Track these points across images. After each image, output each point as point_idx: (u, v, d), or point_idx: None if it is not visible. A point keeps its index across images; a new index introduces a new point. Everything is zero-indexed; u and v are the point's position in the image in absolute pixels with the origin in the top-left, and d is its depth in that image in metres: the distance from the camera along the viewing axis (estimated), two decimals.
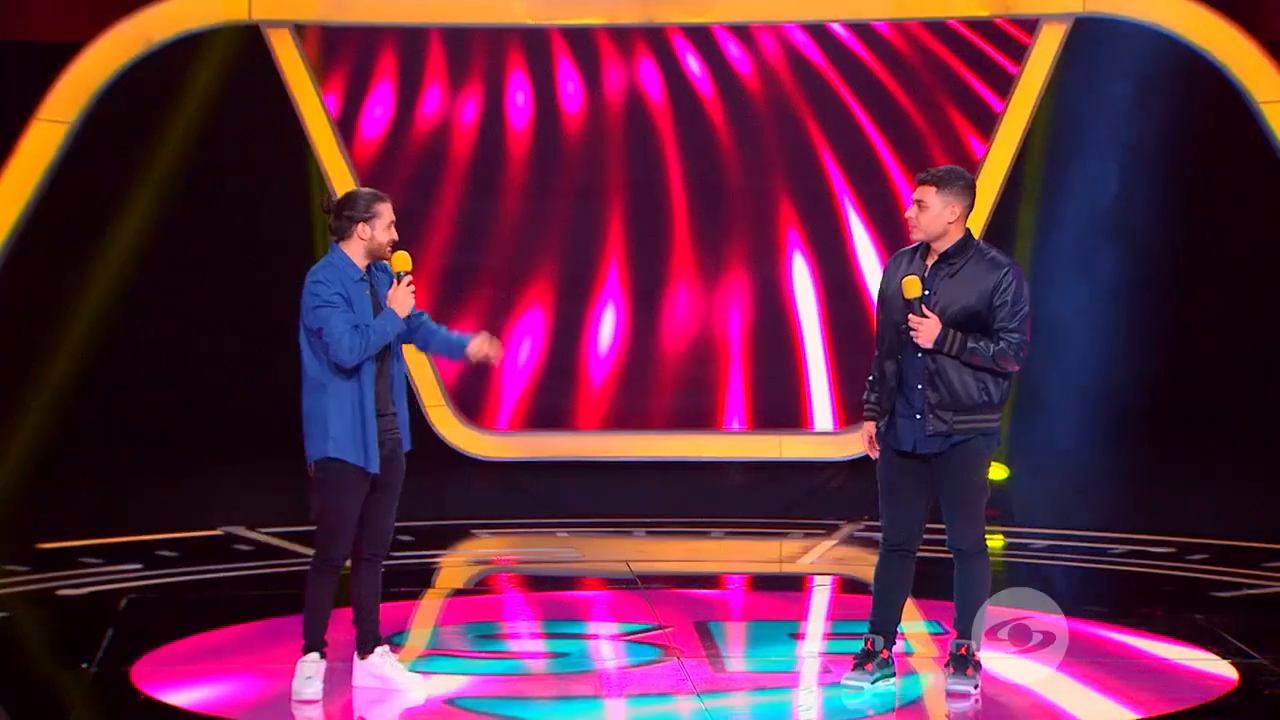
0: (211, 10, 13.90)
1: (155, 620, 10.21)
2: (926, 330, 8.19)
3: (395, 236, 8.49)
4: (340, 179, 14.01)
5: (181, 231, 13.80)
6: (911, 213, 8.28)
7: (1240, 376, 13.92)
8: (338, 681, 8.60)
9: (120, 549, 12.40)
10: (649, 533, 13.42)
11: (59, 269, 13.78)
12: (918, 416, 8.29)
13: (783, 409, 14.28)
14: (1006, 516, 13.77)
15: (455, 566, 12.52)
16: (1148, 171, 13.64)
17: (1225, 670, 8.94)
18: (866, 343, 14.15)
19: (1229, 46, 13.65)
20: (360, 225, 8.42)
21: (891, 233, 14.00)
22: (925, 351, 8.24)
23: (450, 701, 8.46)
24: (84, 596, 10.91)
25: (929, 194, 8.25)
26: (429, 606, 10.88)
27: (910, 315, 8.21)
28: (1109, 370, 13.69)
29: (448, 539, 13.16)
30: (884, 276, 8.49)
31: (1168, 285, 13.92)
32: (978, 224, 13.96)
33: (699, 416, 14.29)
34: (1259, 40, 13.67)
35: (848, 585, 11.72)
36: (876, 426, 8.45)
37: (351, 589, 8.62)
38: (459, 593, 11.52)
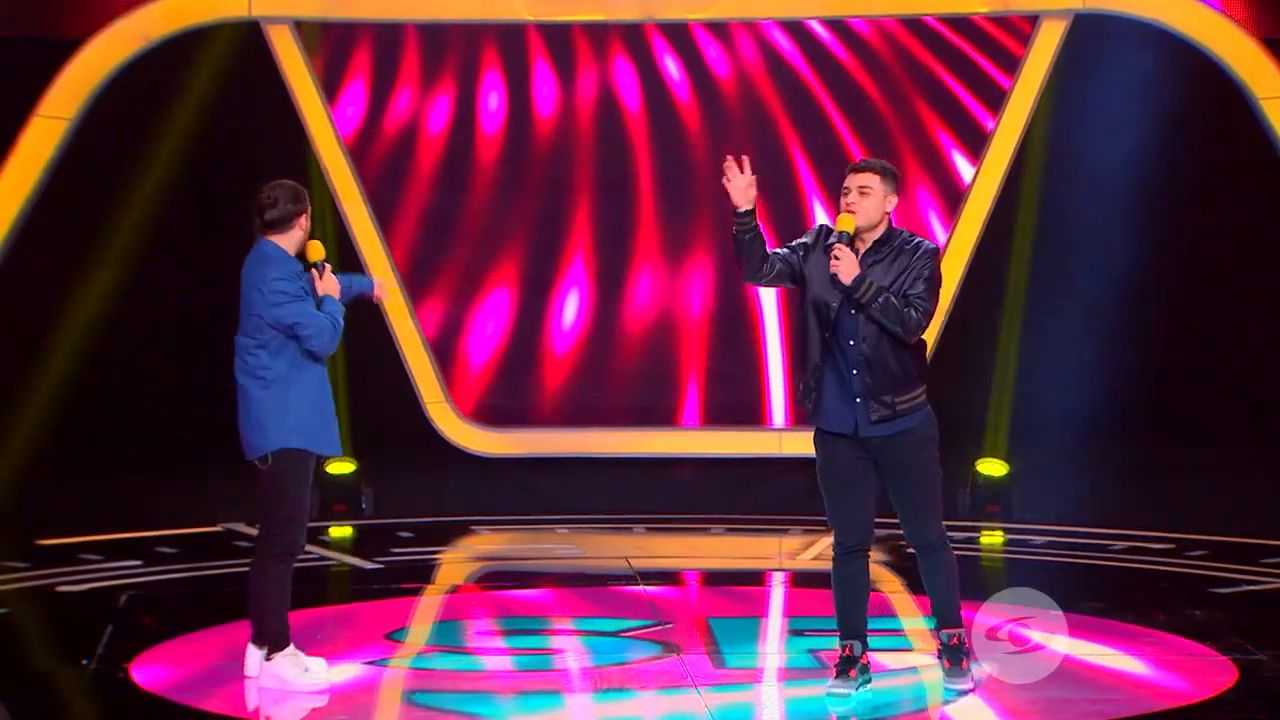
0: (211, 6, 13.89)
1: (155, 617, 10.22)
2: (847, 263, 8.13)
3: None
4: (340, 176, 14.00)
5: (181, 227, 13.79)
6: (853, 197, 8.23)
7: (1240, 373, 13.92)
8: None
9: (120, 545, 12.41)
10: (648, 529, 13.43)
11: (58, 265, 13.77)
12: (857, 400, 8.24)
13: (744, 406, 14.27)
14: (1006, 513, 13.78)
15: (455, 563, 12.53)
16: (1147, 167, 13.63)
17: (1224, 666, 8.94)
18: None
19: (1229, 42, 13.64)
20: (302, 217, 8.49)
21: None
22: (858, 309, 8.15)
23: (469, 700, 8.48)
24: (83, 593, 10.92)
25: (875, 181, 8.25)
26: (429, 603, 10.88)
27: (836, 245, 8.14)
28: (1109, 367, 13.68)
29: (448, 536, 13.17)
30: (800, 257, 8.35)
31: (1167, 282, 13.92)
32: (978, 218, 13.97)
33: (657, 413, 14.27)
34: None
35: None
36: (809, 413, 8.39)
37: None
38: (459, 589, 11.52)
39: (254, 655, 8.57)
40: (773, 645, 9.79)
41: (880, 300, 8.13)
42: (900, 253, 8.25)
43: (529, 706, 8.40)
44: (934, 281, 8.24)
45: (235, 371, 8.58)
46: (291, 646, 8.50)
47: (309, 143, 13.99)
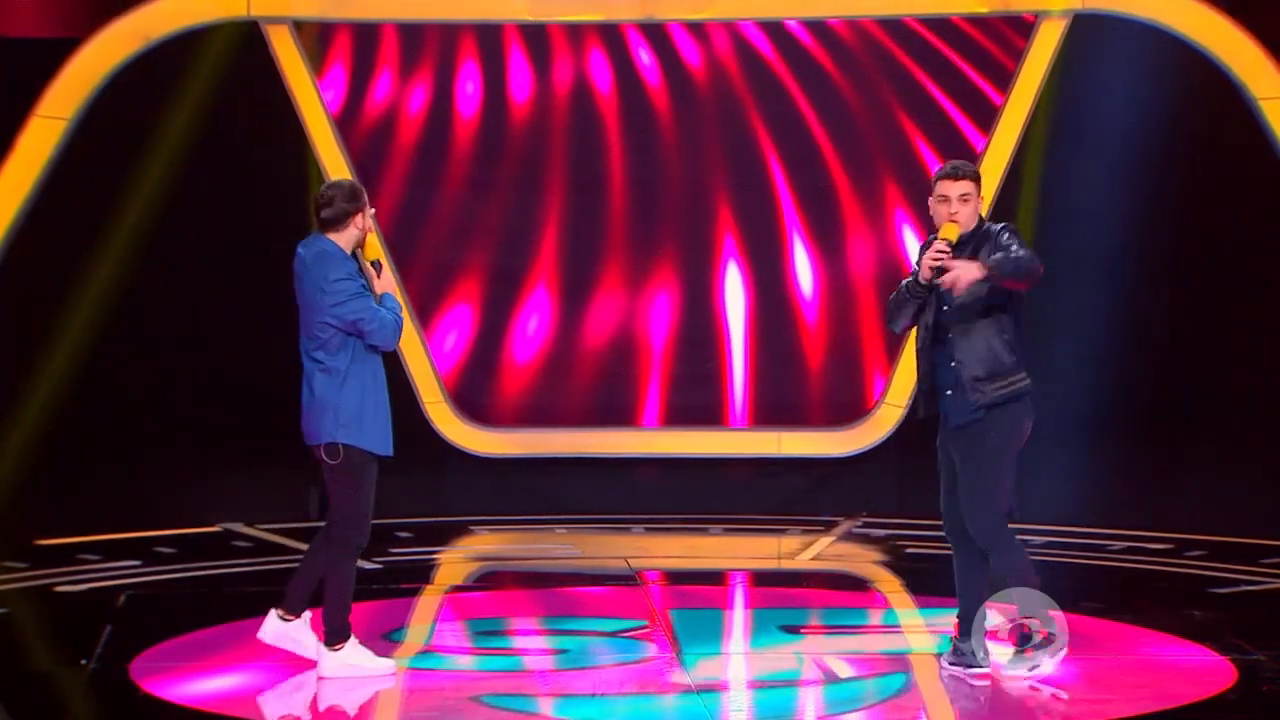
0: (209, 7, 13.88)
1: (154, 616, 10.23)
2: (966, 269, 8.20)
3: None
4: (339, 175, 13.98)
5: (180, 227, 13.78)
6: (955, 205, 8.37)
7: (1240, 372, 13.91)
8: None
9: (119, 545, 12.41)
10: (647, 529, 13.43)
11: (57, 265, 13.77)
12: (949, 392, 8.36)
13: (706, 406, 14.27)
14: (1006, 513, 13.76)
15: (454, 563, 12.53)
16: (1146, 168, 13.63)
17: (1223, 667, 8.95)
18: (793, 348, 14.22)
19: (1228, 43, 13.63)
20: (358, 215, 8.60)
21: (831, 243, 14.02)
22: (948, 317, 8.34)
23: (475, 698, 8.48)
24: (83, 593, 10.92)
25: (973, 189, 8.42)
26: (428, 603, 10.89)
27: (949, 259, 8.26)
28: (1108, 366, 13.68)
29: (446, 535, 13.17)
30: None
31: (1165, 282, 13.91)
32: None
33: (620, 413, 14.26)
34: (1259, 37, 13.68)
35: (846, 582, 11.74)
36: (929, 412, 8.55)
37: (311, 557, 8.72)
38: (458, 589, 11.53)
39: (273, 620, 8.64)
40: (770, 644, 9.80)
41: (995, 264, 8.19)
42: (985, 240, 8.37)
43: (527, 707, 8.40)
44: (1017, 237, 8.35)
45: (302, 361, 8.66)
46: (354, 639, 8.61)
47: (308, 142, 13.98)
